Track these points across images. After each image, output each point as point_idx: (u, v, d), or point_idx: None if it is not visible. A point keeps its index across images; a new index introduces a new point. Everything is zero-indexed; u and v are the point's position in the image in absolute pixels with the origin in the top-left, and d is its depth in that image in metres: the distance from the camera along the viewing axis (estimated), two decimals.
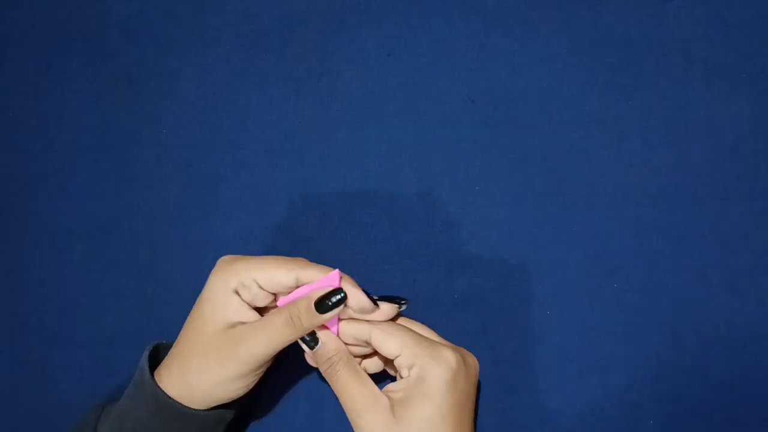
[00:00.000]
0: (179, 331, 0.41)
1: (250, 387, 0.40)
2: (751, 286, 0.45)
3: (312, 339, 0.40)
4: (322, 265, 0.40)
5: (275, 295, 0.40)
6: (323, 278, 0.39)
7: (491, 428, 0.45)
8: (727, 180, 0.46)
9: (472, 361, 0.41)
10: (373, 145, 0.49)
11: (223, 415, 0.41)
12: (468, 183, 0.48)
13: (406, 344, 0.39)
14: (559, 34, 0.48)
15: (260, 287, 0.39)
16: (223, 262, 0.40)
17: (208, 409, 0.40)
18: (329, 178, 0.49)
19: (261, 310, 0.41)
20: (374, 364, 0.42)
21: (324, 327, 0.40)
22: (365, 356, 0.42)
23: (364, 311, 0.40)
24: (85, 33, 0.53)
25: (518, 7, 0.48)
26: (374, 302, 0.40)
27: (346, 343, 0.40)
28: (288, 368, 0.45)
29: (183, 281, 0.48)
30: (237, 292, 0.39)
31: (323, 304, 0.38)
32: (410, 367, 0.39)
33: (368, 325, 0.40)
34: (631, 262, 0.46)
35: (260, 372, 0.40)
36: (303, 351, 0.41)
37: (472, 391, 0.40)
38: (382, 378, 0.43)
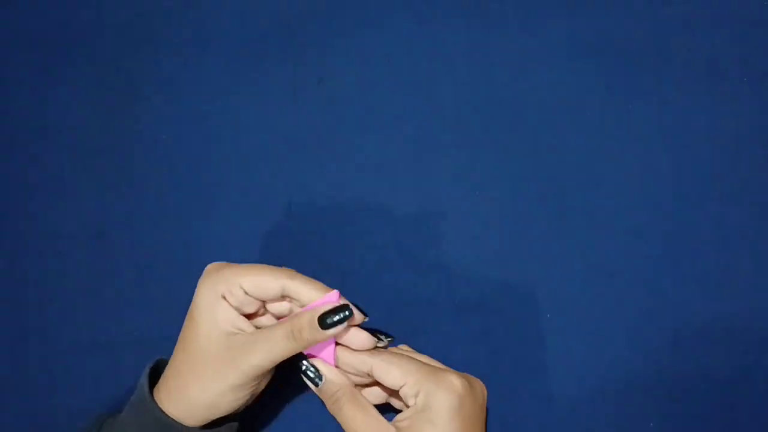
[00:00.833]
0: (179, 336, 0.41)
1: (249, 400, 0.40)
2: (751, 290, 0.45)
3: (316, 375, 0.40)
4: (309, 277, 0.39)
5: (263, 303, 0.40)
6: (322, 298, 0.38)
7: None
8: (727, 183, 0.46)
9: (479, 386, 0.40)
10: (373, 150, 0.49)
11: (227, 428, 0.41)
12: (468, 187, 0.48)
13: (410, 372, 0.38)
14: (559, 37, 0.48)
15: (246, 293, 0.39)
16: (211, 268, 0.40)
17: (209, 427, 0.40)
18: (328, 183, 0.49)
19: (251, 318, 0.41)
20: (376, 395, 0.42)
21: (324, 349, 0.40)
22: (367, 385, 0.42)
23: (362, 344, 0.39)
24: (84, 37, 0.53)
25: (518, 11, 0.48)
26: (377, 338, 0.40)
27: (347, 372, 0.40)
28: (285, 378, 0.46)
29: (183, 286, 0.48)
30: (224, 298, 0.39)
31: (326, 320, 0.38)
32: (416, 395, 0.38)
33: (369, 357, 0.39)
34: (632, 265, 0.46)
35: (259, 383, 0.40)
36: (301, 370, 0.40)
37: (481, 415, 0.40)
38: (386, 410, 0.42)
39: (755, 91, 0.46)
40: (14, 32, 0.54)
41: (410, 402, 0.39)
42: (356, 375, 0.40)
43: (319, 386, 0.40)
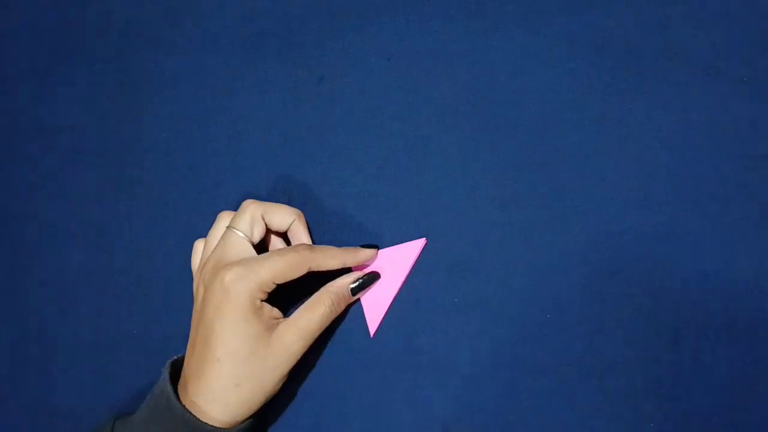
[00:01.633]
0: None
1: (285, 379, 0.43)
2: (752, 289, 0.45)
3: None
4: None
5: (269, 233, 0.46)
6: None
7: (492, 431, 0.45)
8: (727, 183, 0.46)
9: None
10: (373, 149, 0.49)
11: (251, 425, 0.42)
12: (468, 186, 0.48)
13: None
14: (559, 37, 0.48)
15: (274, 283, 0.42)
16: (234, 268, 0.41)
17: (242, 422, 0.41)
18: (329, 182, 0.49)
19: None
20: None
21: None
22: None
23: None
24: (84, 36, 0.53)
25: (518, 10, 0.48)
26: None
27: None
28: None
29: (184, 285, 0.48)
30: (260, 300, 0.41)
31: (356, 288, 0.45)
32: None
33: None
34: (632, 264, 0.46)
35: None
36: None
37: None
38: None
39: (756, 90, 0.46)
40: (14, 32, 0.54)
41: None
42: None
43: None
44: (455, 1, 0.50)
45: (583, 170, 0.47)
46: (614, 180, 0.47)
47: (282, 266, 0.41)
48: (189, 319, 0.44)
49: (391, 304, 0.47)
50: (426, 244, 0.47)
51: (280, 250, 0.42)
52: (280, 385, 0.42)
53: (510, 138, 0.48)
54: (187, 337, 0.43)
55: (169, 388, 0.40)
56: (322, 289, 0.44)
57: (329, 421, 0.47)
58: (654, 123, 0.47)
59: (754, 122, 0.46)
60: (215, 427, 0.40)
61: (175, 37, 0.52)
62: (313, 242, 0.47)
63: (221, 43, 0.51)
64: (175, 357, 0.43)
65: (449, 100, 0.48)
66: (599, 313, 0.46)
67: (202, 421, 0.40)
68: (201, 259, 0.44)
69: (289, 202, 0.49)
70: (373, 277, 0.46)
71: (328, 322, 0.44)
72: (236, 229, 0.43)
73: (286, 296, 0.44)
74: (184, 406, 0.40)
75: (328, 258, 0.43)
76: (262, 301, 0.41)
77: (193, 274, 0.45)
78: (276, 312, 0.43)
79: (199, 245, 0.46)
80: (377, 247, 0.47)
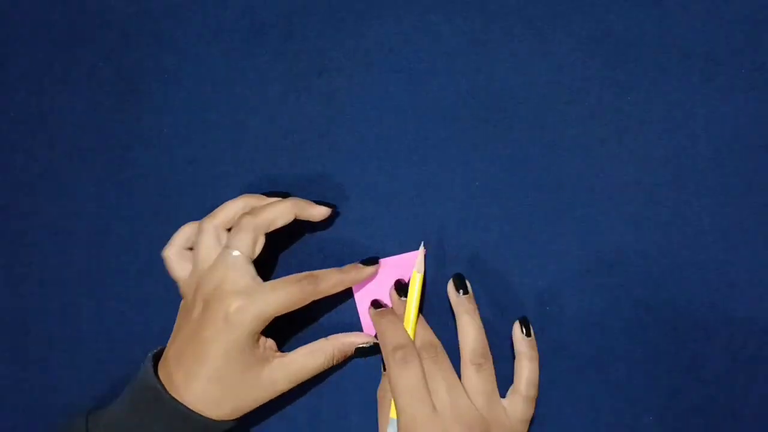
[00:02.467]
0: (213, 338, 0.41)
1: None
2: (750, 282, 0.45)
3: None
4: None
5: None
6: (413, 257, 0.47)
7: None
8: (726, 176, 0.46)
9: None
10: (373, 143, 0.49)
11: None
12: (467, 179, 0.48)
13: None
14: (558, 30, 0.48)
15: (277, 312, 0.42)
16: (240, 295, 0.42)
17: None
18: (329, 175, 0.49)
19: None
20: None
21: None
22: None
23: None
24: (84, 32, 0.53)
25: (518, 3, 0.48)
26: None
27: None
28: None
29: None
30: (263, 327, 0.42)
31: (360, 351, 0.45)
32: None
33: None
34: (630, 258, 0.46)
35: None
36: None
37: None
38: None
39: (754, 87, 0.46)
40: (14, 30, 0.54)
41: None
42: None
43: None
44: None
45: (582, 164, 0.47)
46: (613, 174, 0.47)
47: (286, 300, 0.41)
48: None
49: None
50: (425, 252, 0.47)
51: (284, 281, 0.42)
52: (258, 405, 0.43)
53: (509, 131, 0.48)
54: None
55: (155, 381, 0.41)
56: (330, 339, 0.44)
57: (329, 421, 0.47)
58: (653, 117, 0.47)
59: (752, 115, 0.46)
60: (206, 417, 0.40)
61: (175, 31, 0.52)
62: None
63: (221, 38, 0.51)
64: (155, 350, 0.43)
65: (449, 93, 0.48)
66: (598, 307, 0.46)
67: (194, 411, 0.40)
68: (194, 273, 0.43)
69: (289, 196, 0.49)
70: (378, 345, 0.45)
71: (321, 371, 0.44)
72: (237, 251, 0.42)
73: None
74: (173, 398, 0.40)
75: (332, 287, 0.43)
76: (259, 332, 0.42)
77: (176, 276, 0.45)
78: (270, 343, 0.44)
79: (187, 230, 0.45)
80: (377, 260, 0.46)
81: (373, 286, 0.47)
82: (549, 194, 0.47)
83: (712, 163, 0.46)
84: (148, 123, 0.51)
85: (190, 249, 0.45)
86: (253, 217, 0.43)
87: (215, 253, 0.43)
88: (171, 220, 0.47)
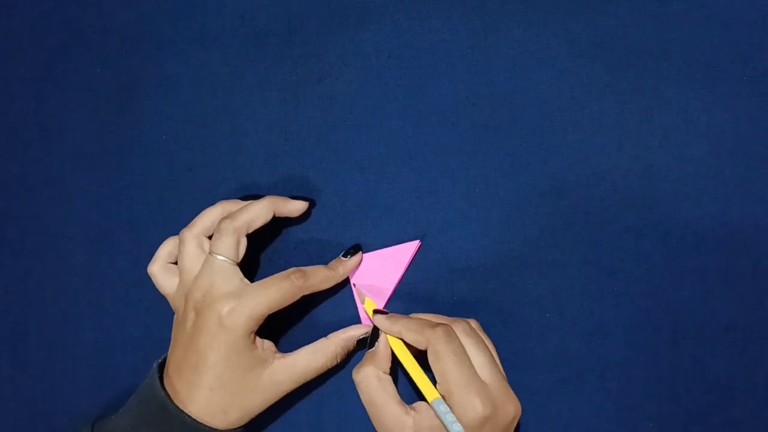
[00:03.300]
0: (211, 348, 0.41)
1: None
2: (750, 288, 0.45)
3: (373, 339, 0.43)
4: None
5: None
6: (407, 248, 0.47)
7: None
8: (726, 182, 0.46)
9: (507, 410, 0.39)
10: (373, 147, 0.49)
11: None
12: (467, 185, 0.48)
13: (444, 378, 0.39)
14: (558, 36, 0.48)
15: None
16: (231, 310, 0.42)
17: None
18: (329, 180, 0.49)
19: None
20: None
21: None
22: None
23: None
24: (84, 37, 0.53)
25: (518, 9, 0.48)
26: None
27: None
28: None
29: None
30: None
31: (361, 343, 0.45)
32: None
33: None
34: (631, 263, 0.46)
35: None
36: None
37: None
38: None
39: (754, 91, 0.46)
40: (14, 34, 0.53)
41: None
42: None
43: (372, 349, 0.43)
44: None
45: (583, 169, 0.47)
46: (613, 179, 0.47)
47: (276, 297, 0.41)
48: None
49: (386, 305, 0.47)
50: (420, 245, 0.47)
51: (273, 279, 0.42)
52: (266, 408, 0.43)
53: (509, 137, 0.48)
54: None
55: (161, 392, 0.41)
56: (331, 338, 0.44)
57: (329, 420, 0.47)
58: (653, 122, 0.47)
59: (753, 122, 0.46)
60: (215, 428, 0.40)
61: (174, 37, 0.51)
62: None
63: (221, 43, 0.51)
64: (160, 359, 0.44)
65: (449, 98, 0.48)
66: (598, 312, 0.46)
67: (202, 423, 0.40)
68: (182, 284, 0.43)
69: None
70: (378, 336, 0.44)
71: (325, 370, 0.44)
72: (221, 255, 0.42)
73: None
74: (181, 410, 0.40)
75: (320, 282, 0.44)
76: (255, 333, 0.42)
77: (164, 291, 0.45)
78: (269, 344, 0.43)
79: (169, 243, 0.45)
80: (360, 247, 0.47)
81: (369, 278, 0.47)
82: (549, 200, 0.47)
83: (712, 170, 0.46)
84: (147, 129, 0.51)
85: (175, 263, 0.45)
86: (231, 220, 0.43)
87: (200, 262, 0.43)
88: (170, 226, 0.47)
